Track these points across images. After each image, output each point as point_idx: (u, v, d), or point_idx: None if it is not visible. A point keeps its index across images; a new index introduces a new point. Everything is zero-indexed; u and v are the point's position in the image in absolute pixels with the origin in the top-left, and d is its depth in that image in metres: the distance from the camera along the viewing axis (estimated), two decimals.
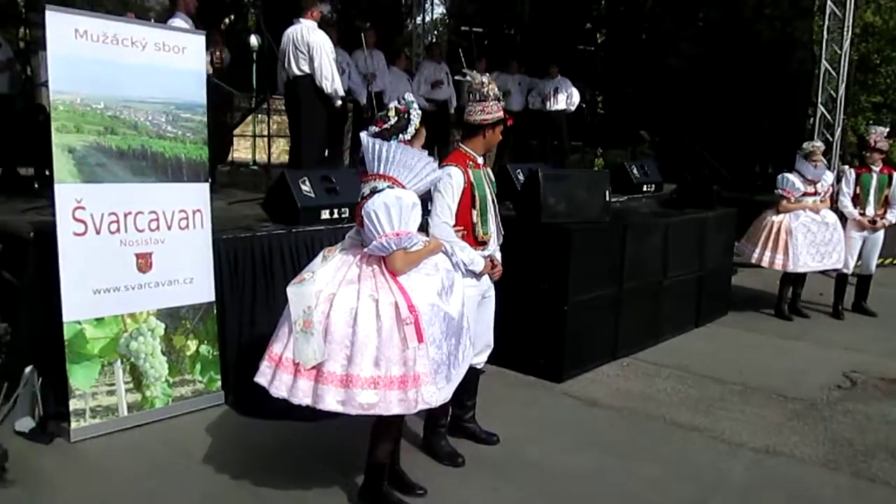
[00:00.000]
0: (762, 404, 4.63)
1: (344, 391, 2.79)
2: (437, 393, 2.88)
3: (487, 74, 3.70)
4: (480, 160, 3.57)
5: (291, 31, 6.17)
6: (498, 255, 3.69)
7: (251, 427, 3.99)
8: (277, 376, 2.89)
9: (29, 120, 6.96)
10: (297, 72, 6.14)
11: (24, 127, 7.10)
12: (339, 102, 6.40)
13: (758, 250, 6.76)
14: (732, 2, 13.14)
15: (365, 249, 2.93)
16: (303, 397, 2.84)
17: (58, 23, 3.61)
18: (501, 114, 3.55)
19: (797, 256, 6.60)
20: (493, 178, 3.67)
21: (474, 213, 3.44)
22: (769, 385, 4.95)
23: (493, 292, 3.69)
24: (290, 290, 2.92)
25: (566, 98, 10.16)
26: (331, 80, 6.08)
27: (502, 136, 3.63)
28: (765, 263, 6.76)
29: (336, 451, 3.65)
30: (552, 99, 10.15)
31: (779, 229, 6.68)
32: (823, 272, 7.23)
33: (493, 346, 3.78)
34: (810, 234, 6.61)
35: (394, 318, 2.80)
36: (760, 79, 12.13)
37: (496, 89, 3.55)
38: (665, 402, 4.62)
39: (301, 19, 6.17)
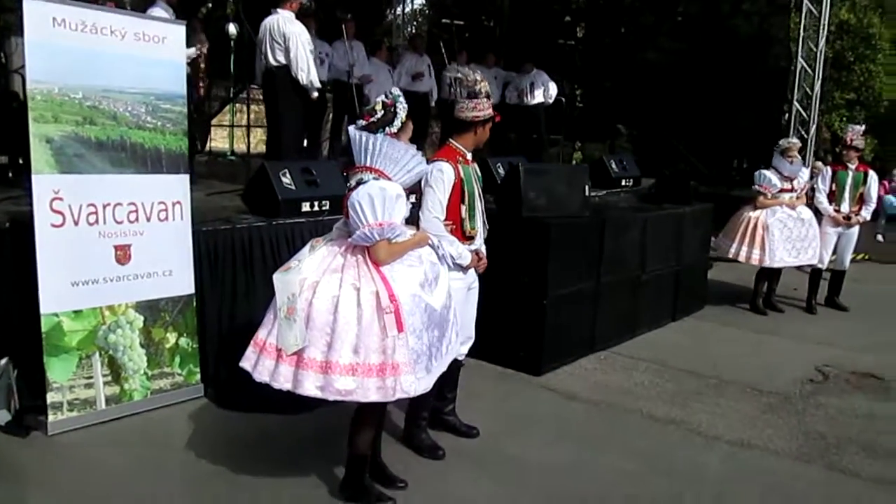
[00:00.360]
0: (737, 398, 4.70)
1: (323, 377, 2.84)
2: (415, 382, 2.91)
3: (479, 71, 3.72)
4: (469, 156, 3.60)
5: (269, 22, 6.12)
6: (483, 249, 3.72)
7: (230, 420, 3.98)
8: (261, 361, 2.94)
9: (2, 107, 6.85)
10: (273, 62, 6.09)
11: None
12: (316, 94, 6.37)
13: (734, 245, 6.86)
14: None
15: (349, 239, 2.97)
16: (283, 382, 2.89)
17: (35, 11, 3.55)
18: (491, 111, 3.58)
19: (773, 252, 6.69)
20: (480, 174, 3.70)
21: (463, 208, 3.48)
22: (744, 379, 5.03)
23: (477, 284, 3.73)
24: (276, 278, 2.98)
25: (543, 91, 10.18)
26: (307, 72, 6.04)
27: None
28: (741, 258, 6.84)
29: (316, 444, 3.66)
30: (529, 94, 10.16)
31: (755, 225, 6.78)
32: (798, 267, 7.35)
33: (473, 338, 3.81)
34: (786, 230, 6.71)
35: (374, 307, 2.84)
36: (737, 74, 12.23)
37: (487, 87, 3.57)
38: (642, 396, 4.68)
39: (279, 10, 6.12)
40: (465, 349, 3.73)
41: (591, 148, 14.88)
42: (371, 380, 2.84)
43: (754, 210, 6.83)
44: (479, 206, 3.59)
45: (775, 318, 6.83)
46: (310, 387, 2.85)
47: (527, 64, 10.23)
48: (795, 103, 10.29)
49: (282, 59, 6.09)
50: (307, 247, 3.12)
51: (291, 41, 6.00)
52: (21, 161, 5.84)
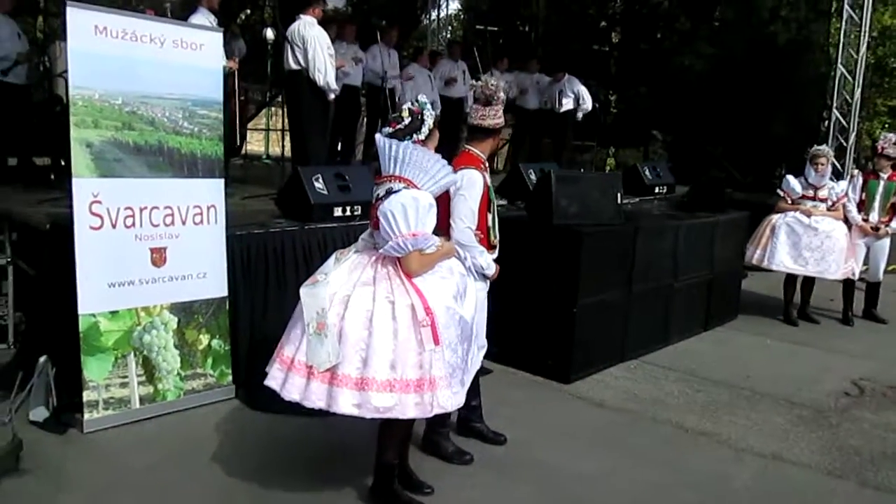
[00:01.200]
0: (769, 410, 4.64)
1: (359, 394, 2.77)
2: (452, 397, 2.87)
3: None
4: (487, 164, 3.58)
5: (291, 27, 6.24)
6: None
7: (261, 421, 4.03)
8: (290, 379, 2.87)
9: (46, 110, 7.03)
10: (293, 66, 6.21)
11: (41, 117, 7.17)
12: (332, 96, 6.43)
13: (750, 247, 6.86)
14: (749, 2, 13.08)
15: (380, 250, 2.91)
16: (316, 400, 2.82)
17: (78, 19, 3.65)
18: (502, 119, 3.58)
19: (773, 253, 6.64)
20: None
21: (489, 217, 3.47)
22: (777, 391, 4.95)
23: (485, 293, 3.68)
24: (304, 292, 2.91)
25: (573, 99, 10.16)
26: (323, 73, 6.11)
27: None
28: (747, 258, 6.86)
29: (346, 447, 3.68)
30: (558, 101, 10.17)
31: (766, 226, 6.76)
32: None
33: (486, 345, 3.77)
34: (793, 235, 6.61)
35: (410, 321, 2.78)
36: (776, 81, 12.08)
37: (503, 94, 3.56)
38: (672, 406, 4.64)
39: (301, 15, 6.23)
40: (480, 356, 3.71)
41: (626, 154, 14.79)
42: (409, 395, 2.78)
43: (773, 214, 6.81)
44: (496, 214, 3.58)
45: (810, 330, 6.72)
46: (346, 405, 2.78)
47: (559, 73, 10.22)
48: (835, 110, 10.12)
49: (301, 63, 6.19)
50: (332, 258, 3.06)
51: (310, 44, 6.10)
52: (63, 163, 5.98)
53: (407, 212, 2.81)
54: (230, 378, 4.32)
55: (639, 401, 4.70)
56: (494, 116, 3.49)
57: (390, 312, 2.79)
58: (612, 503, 3.42)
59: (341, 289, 2.86)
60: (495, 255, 3.57)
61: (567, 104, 10.11)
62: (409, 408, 2.79)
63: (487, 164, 3.56)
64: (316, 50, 6.09)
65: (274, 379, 2.93)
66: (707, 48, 13.21)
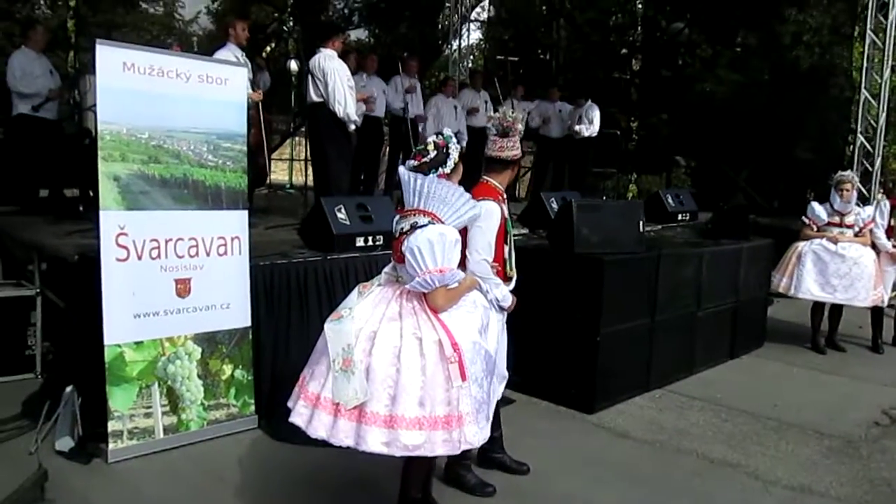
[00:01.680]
0: (797, 440, 4.56)
1: (388, 432, 2.73)
2: (479, 433, 2.84)
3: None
4: (505, 195, 3.58)
5: (312, 61, 6.34)
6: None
7: (284, 452, 4.03)
8: (316, 416, 2.82)
9: (76, 143, 7.18)
10: (314, 98, 6.28)
11: (71, 150, 7.33)
12: (353, 127, 6.50)
13: (776, 275, 6.79)
14: (771, 28, 13.08)
15: (407, 286, 2.89)
16: (344, 438, 2.77)
17: (107, 56, 3.74)
18: (520, 150, 3.59)
19: (800, 282, 6.57)
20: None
21: (506, 249, 3.46)
22: (805, 420, 4.87)
23: (504, 324, 3.67)
24: (328, 328, 2.88)
25: (588, 125, 10.22)
26: (343, 105, 6.18)
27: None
28: (773, 286, 6.79)
29: (367, 479, 3.67)
30: (577, 127, 10.23)
31: (791, 254, 6.70)
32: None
33: (507, 377, 3.75)
34: (820, 263, 6.53)
35: (438, 357, 2.76)
36: (800, 105, 12.03)
37: (522, 125, 3.56)
38: (697, 436, 4.57)
39: (322, 49, 6.32)
40: (501, 388, 3.70)
41: (648, 181, 14.76)
42: (437, 433, 2.75)
43: (800, 242, 6.74)
44: (512, 246, 3.58)
45: (839, 358, 6.60)
46: (374, 443, 2.73)
47: (579, 99, 10.28)
48: (859, 135, 10.03)
49: (322, 95, 6.27)
50: (355, 292, 3.03)
51: (329, 76, 6.17)
52: (91, 194, 6.09)
53: (434, 248, 2.80)
54: (253, 408, 4.34)
55: (663, 431, 4.64)
56: (512, 148, 3.50)
57: (418, 349, 2.77)
58: None
59: (367, 324, 2.84)
60: (511, 286, 3.56)
61: (584, 130, 10.16)
62: (437, 445, 2.76)
63: (505, 196, 3.57)
64: (336, 82, 6.17)
65: (299, 416, 2.88)
66: (729, 74, 13.20)
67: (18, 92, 6.69)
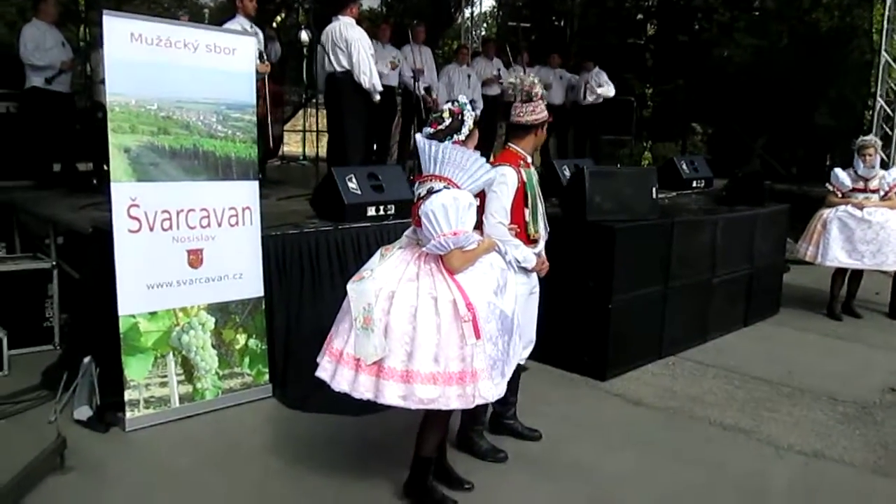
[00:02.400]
0: (811, 406, 4.55)
1: (404, 386, 2.87)
2: (493, 388, 2.94)
3: (532, 73, 3.73)
4: (530, 159, 3.62)
5: (330, 28, 6.26)
6: (543, 253, 3.72)
7: (297, 419, 4.08)
8: (339, 372, 2.98)
9: (89, 117, 7.20)
10: (336, 68, 6.22)
11: (83, 124, 7.36)
12: (378, 98, 6.45)
13: (802, 244, 6.72)
14: None
15: (423, 248, 2.98)
16: (364, 392, 2.92)
17: (114, 27, 3.73)
18: (546, 113, 3.59)
19: (826, 249, 6.50)
20: (538, 178, 3.71)
21: (527, 211, 3.50)
22: (819, 387, 4.85)
23: (538, 289, 3.72)
24: (351, 288, 3.01)
25: (592, 92, 10.14)
26: (369, 76, 6.14)
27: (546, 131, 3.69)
28: (800, 255, 6.73)
29: (380, 445, 3.71)
30: (583, 93, 10.13)
31: (817, 222, 6.62)
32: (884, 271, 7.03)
33: (535, 341, 3.80)
34: (846, 230, 6.44)
35: (452, 316, 2.87)
36: (819, 69, 11.81)
37: (542, 89, 3.59)
38: (711, 403, 4.57)
39: (339, 16, 6.25)
40: (526, 353, 3.73)
41: (664, 148, 14.61)
42: (452, 388, 2.87)
43: (825, 209, 6.65)
44: (540, 210, 3.61)
45: (855, 324, 6.55)
46: (392, 396, 2.88)
47: (587, 62, 10.17)
48: (879, 99, 9.85)
49: (345, 65, 6.21)
50: (377, 255, 3.15)
51: (353, 46, 6.11)
52: (105, 168, 6.13)
53: (448, 211, 2.88)
54: (267, 377, 4.38)
55: (676, 398, 4.64)
56: (532, 112, 3.53)
57: (433, 308, 2.88)
58: (648, 501, 3.39)
59: (386, 285, 2.96)
60: (537, 248, 3.60)
61: (592, 97, 10.07)
62: (451, 399, 2.88)
63: (529, 160, 3.59)
64: (360, 52, 6.11)
65: (324, 371, 3.04)
66: (747, 38, 12.98)
67: (31, 64, 6.70)
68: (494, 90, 9.49)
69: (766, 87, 11.99)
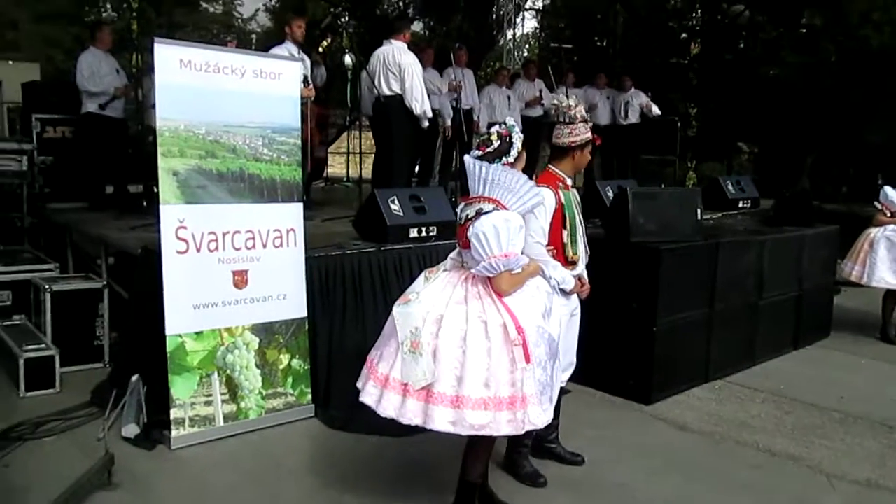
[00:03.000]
0: (864, 434, 4.41)
1: (455, 411, 2.82)
2: (542, 414, 2.91)
3: (574, 95, 3.73)
4: (570, 181, 3.61)
5: (381, 52, 6.32)
6: (585, 275, 3.69)
7: (340, 440, 4.09)
8: (385, 396, 2.93)
9: (140, 140, 7.42)
10: (387, 91, 6.28)
11: (135, 147, 7.58)
12: (427, 123, 6.51)
13: (847, 263, 6.57)
14: (838, 7, 12.60)
15: (472, 270, 2.96)
16: (412, 417, 2.87)
17: (165, 54, 3.85)
18: (589, 135, 3.57)
19: (873, 269, 6.36)
20: (580, 200, 3.69)
21: (565, 233, 3.47)
22: (872, 413, 4.71)
23: (579, 311, 3.69)
24: (397, 311, 2.99)
25: (639, 112, 10.09)
26: (420, 102, 6.20)
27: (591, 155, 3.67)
28: (844, 274, 6.58)
29: (422, 467, 3.70)
30: (623, 113, 10.09)
31: (863, 242, 6.47)
32: None
33: (575, 364, 3.76)
34: (894, 249, 6.27)
35: (503, 340, 2.85)
36: (869, 87, 11.56)
37: (583, 111, 3.59)
38: (759, 429, 4.46)
39: (392, 40, 6.32)
40: (566, 376, 3.70)
41: (709, 168, 14.42)
42: (502, 413, 2.83)
43: (872, 227, 6.51)
44: (580, 232, 3.59)
45: None
46: (442, 422, 2.83)
47: (625, 81, 10.14)
48: None
49: (395, 89, 6.28)
50: (422, 277, 3.13)
51: (406, 72, 6.17)
52: (154, 189, 6.30)
53: (499, 233, 2.87)
54: (310, 397, 4.41)
55: (723, 423, 4.54)
56: (570, 134, 3.52)
57: (483, 331, 2.86)
58: None
59: (434, 308, 2.93)
60: (576, 270, 3.57)
61: (633, 117, 10.03)
62: (502, 425, 2.84)
63: (568, 182, 3.58)
64: (413, 79, 6.18)
65: (369, 396, 2.99)
66: (794, 56, 12.78)
67: (87, 90, 6.94)
68: (537, 111, 9.51)
69: (815, 104, 11.78)
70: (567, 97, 3.66)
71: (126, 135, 7.59)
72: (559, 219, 3.47)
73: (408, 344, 2.89)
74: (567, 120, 3.52)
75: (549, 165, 3.63)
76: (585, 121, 3.57)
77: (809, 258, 6.19)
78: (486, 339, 2.84)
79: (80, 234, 6.01)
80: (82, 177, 7.28)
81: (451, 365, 2.84)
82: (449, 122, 7.95)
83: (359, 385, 3.09)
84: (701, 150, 14.46)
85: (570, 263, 3.53)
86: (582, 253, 3.62)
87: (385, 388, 2.94)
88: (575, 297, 3.61)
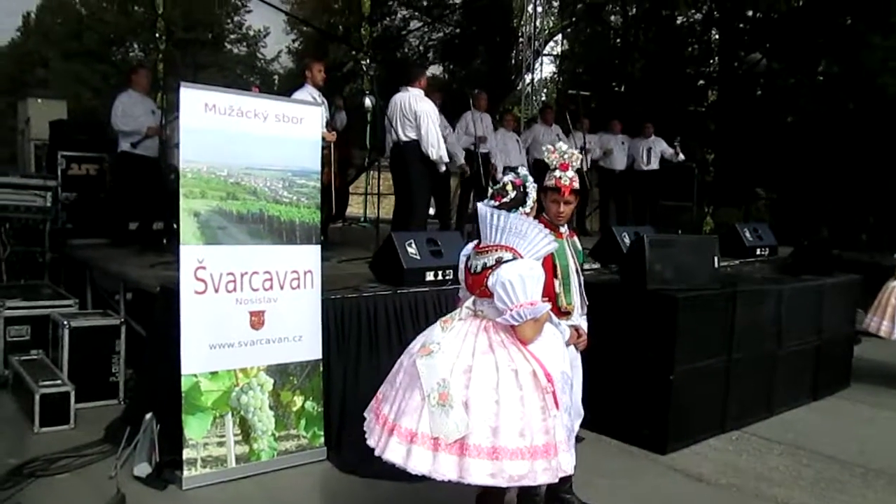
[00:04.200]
0: (886, 490, 4.32)
1: (493, 463, 2.74)
2: (571, 460, 2.89)
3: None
4: (563, 229, 3.55)
5: (399, 98, 6.44)
6: (584, 325, 3.64)
7: (351, 484, 4.06)
8: (415, 453, 2.80)
9: (161, 178, 7.52)
10: (403, 137, 6.38)
11: (160, 185, 7.69)
12: (444, 168, 6.59)
13: (869, 315, 6.50)
14: (855, 55, 12.67)
15: (498, 319, 2.92)
16: (446, 473, 2.76)
17: (190, 97, 3.93)
18: (577, 184, 3.51)
19: None
20: (580, 248, 3.65)
21: (556, 282, 3.42)
22: (894, 467, 4.61)
23: (579, 362, 3.62)
24: (421, 363, 2.90)
25: (661, 156, 10.16)
26: (436, 148, 6.29)
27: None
28: (871, 329, 6.50)
29: None
30: (644, 158, 10.15)
31: (889, 295, 6.39)
32: None
33: (583, 415, 3.69)
34: None
35: (534, 388, 2.82)
36: (888, 134, 11.55)
37: (573, 158, 3.52)
38: (777, 482, 4.38)
39: (409, 87, 6.44)
40: (576, 426, 3.63)
41: (726, 214, 14.37)
42: (539, 461, 2.79)
43: (893, 280, 6.44)
44: (574, 281, 3.52)
45: None
46: (480, 475, 2.73)
47: (647, 127, 10.22)
48: None
49: (412, 135, 6.37)
50: (437, 327, 3.05)
51: (422, 119, 6.28)
52: (175, 226, 6.37)
53: (525, 282, 2.85)
54: (322, 440, 4.39)
55: (741, 475, 4.47)
56: (549, 180, 3.47)
57: (515, 380, 2.82)
58: None
59: (459, 358, 2.87)
60: (570, 321, 3.49)
61: (654, 163, 10.08)
62: (538, 473, 2.80)
63: (561, 230, 3.53)
64: (429, 125, 6.29)
65: (394, 453, 2.84)
66: (811, 104, 12.82)
67: (119, 130, 7.10)
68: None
69: (833, 152, 11.78)
70: (569, 145, 3.60)
71: (158, 173, 7.70)
72: (549, 268, 3.36)
73: (435, 396, 2.80)
74: (563, 168, 3.46)
75: (543, 213, 3.51)
76: (579, 166, 3.51)
77: (829, 308, 6.14)
78: (517, 388, 2.80)
79: (99, 270, 6.08)
80: (107, 213, 7.39)
81: (486, 416, 2.76)
82: (462, 160, 7.97)
83: (370, 442, 2.98)
84: (718, 197, 14.45)
85: (563, 314, 3.46)
86: (577, 303, 3.55)
87: (413, 444, 2.80)
88: (572, 348, 3.51)
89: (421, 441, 2.79)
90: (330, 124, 6.49)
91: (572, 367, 3.52)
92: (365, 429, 3.09)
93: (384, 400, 3.04)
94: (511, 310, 2.84)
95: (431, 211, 8.20)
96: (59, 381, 4.76)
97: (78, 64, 21.38)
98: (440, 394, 2.80)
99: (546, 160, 3.51)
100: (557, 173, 3.47)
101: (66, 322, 5.01)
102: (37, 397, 4.56)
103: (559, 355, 2.98)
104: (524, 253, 2.94)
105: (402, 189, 6.68)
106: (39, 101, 10.71)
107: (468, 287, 3.09)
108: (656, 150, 10.25)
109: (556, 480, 2.87)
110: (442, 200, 8.48)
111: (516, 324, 2.87)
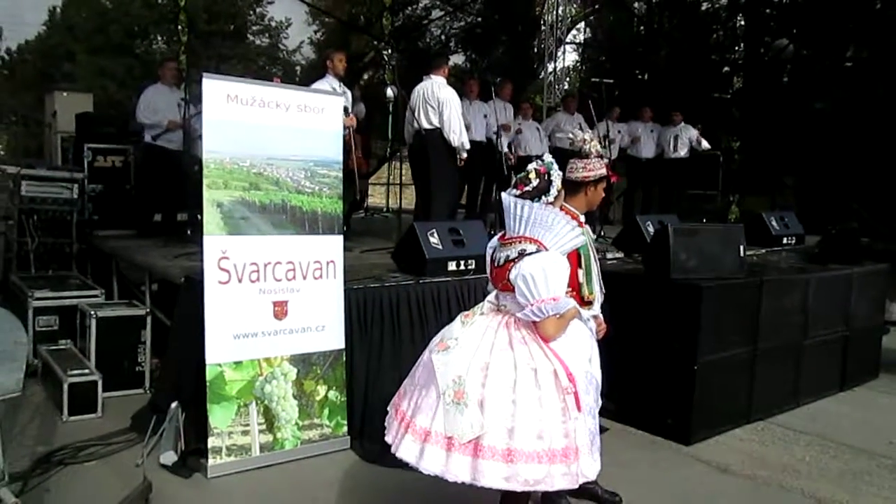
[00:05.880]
0: None
1: (507, 466, 2.61)
2: (593, 465, 2.76)
3: (590, 132, 3.65)
4: (583, 218, 3.49)
5: (421, 87, 6.46)
6: (601, 314, 3.60)
7: (374, 473, 4.07)
8: (427, 451, 2.70)
9: (185, 170, 7.58)
10: (426, 125, 6.39)
11: (184, 177, 7.74)
12: (465, 155, 6.57)
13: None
14: (886, 40, 12.43)
15: (518, 315, 2.80)
16: (458, 474, 2.65)
17: (213, 89, 3.95)
18: (604, 171, 3.48)
19: None
20: (593, 236, 3.61)
21: (580, 272, 3.38)
22: None
23: (596, 350, 3.59)
24: (437, 359, 2.79)
25: (688, 147, 10.06)
26: (458, 134, 6.31)
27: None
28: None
29: (459, 501, 3.65)
30: (671, 147, 10.05)
31: None
32: None
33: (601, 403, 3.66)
34: None
35: (554, 388, 2.69)
36: None
37: (598, 146, 3.49)
38: (804, 473, 4.33)
39: (431, 75, 6.45)
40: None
41: (753, 203, 14.20)
42: (557, 466, 2.65)
43: None
44: (595, 270, 3.47)
45: None
46: (493, 478, 2.61)
47: (675, 115, 10.11)
48: None
49: (435, 122, 6.38)
50: (458, 322, 2.96)
51: (445, 106, 6.29)
52: (199, 217, 6.42)
53: (548, 276, 2.72)
54: (345, 429, 4.41)
55: (766, 466, 4.42)
56: (583, 169, 3.43)
57: (534, 380, 2.69)
58: None
59: (477, 355, 2.75)
60: (592, 311, 3.44)
61: (682, 151, 9.98)
62: (556, 478, 2.66)
63: (581, 219, 3.46)
64: (451, 112, 6.31)
65: (408, 451, 2.76)
66: (840, 91, 12.61)
67: (141, 122, 7.21)
68: (565, 143, 9.53)
69: (861, 139, 11.58)
70: (584, 130, 3.57)
71: (181, 166, 7.76)
72: (574, 258, 3.30)
73: (450, 394, 2.69)
74: (581, 154, 3.43)
75: (563, 202, 3.39)
76: (601, 156, 3.47)
77: (857, 297, 6.05)
78: (536, 388, 2.67)
79: (125, 261, 6.15)
80: (133, 205, 7.47)
81: (502, 416, 2.63)
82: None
83: (388, 438, 2.91)
84: (744, 185, 14.27)
85: (586, 303, 3.38)
86: (597, 292, 3.50)
87: (426, 443, 2.70)
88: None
89: (434, 440, 2.70)
90: (349, 109, 6.48)
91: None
92: (386, 423, 3.02)
93: (404, 395, 2.96)
94: (532, 305, 2.72)
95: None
96: (86, 371, 4.83)
97: (103, 57, 21.58)
98: (455, 391, 2.69)
99: (577, 148, 3.46)
100: (600, 162, 3.42)
101: (93, 312, 5.08)
102: (65, 386, 4.63)
103: (584, 354, 2.86)
104: (549, 245, 2.82)
105: (424, 179, 6.68)
106: (66, 94, 10.86)
107: (492, 280, 3.00)
108: (684, 139, 10.14)
109: (577, 486, 2.74)
110: (471, 190, 8.49)
111: (537, 320, 2.75)
